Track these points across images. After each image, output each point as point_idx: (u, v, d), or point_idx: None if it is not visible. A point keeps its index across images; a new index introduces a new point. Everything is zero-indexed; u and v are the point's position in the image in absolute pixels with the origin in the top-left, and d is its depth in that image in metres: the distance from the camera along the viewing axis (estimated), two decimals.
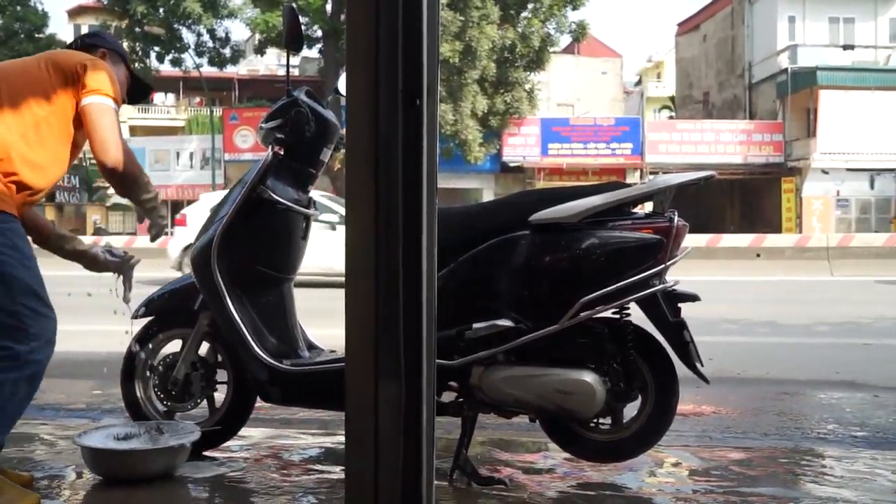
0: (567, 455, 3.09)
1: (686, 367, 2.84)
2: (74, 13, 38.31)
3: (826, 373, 5.55)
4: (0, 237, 2.44)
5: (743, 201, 31.55)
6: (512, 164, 28.85)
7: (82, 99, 2.61)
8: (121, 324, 3.17)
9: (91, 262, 3.06)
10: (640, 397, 2.91)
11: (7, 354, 2.40)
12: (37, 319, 2.47)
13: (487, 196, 27.32)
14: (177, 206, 31.50)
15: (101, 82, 2.64)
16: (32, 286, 2.49)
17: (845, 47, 29.75)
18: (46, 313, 2.52)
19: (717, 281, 12.06)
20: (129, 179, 2.70)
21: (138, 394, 3.22)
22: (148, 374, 3.22)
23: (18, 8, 30.33)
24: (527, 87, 27.12)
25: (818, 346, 6.85)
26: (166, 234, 3.27)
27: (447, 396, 2.93)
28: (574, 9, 26.56)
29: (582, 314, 2.72)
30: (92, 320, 6.90)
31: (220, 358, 3.21)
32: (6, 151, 2.52)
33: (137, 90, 3.08)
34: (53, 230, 3.02)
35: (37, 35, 31.11)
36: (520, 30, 26.02)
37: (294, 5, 3.06)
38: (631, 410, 2.94)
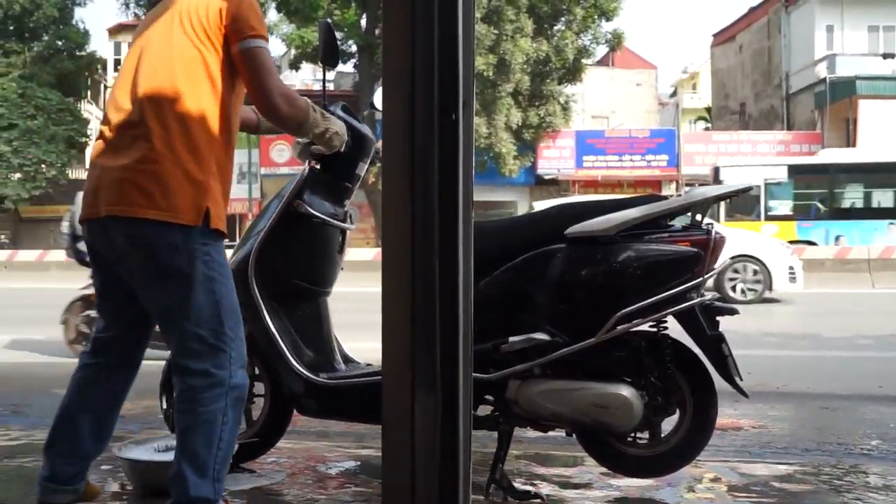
0: (604, 469, 3.07)
1: (725, 381, 2.81)
2: (114, 31, 38.98)
3: (868, 387, 5.44)
4: (217, 256, 2.36)
5: None
6: (546, 177, 28.75)
7: (233, 46, 2.34)
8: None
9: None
10: (678, 411, 2.88)
11: (211, 382, 2.31)
12: (236, 342, 2.38)
13: (522, 209, 27.26)
14: None
15: (243, 22, 2.35)
16: (235, 306, 2.40)
17: (885, 56, 29.24)
18: (242, 336, 2.42)
19: None
20: (297, 123, 2.51)
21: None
22: None
23: (61, 27, 30.96)
24: (561, 99, 27.07)
25: (860, 359, 6.73)
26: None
27: (483, 410, 2.92)
28: (608, 20, 26.51)
29: (619, 327, 2.70)
30: None
31: (257, 371, 3.23)
32: (210, 157, 2.35)
33: None
34: (258, 118, 2.88)
35: (78, 53, 31.73)
36: (553, 42, 26.01)
37: (329, 21, 3.08)
38: (669, 425, 2.91)
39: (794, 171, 19.50)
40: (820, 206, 19.10)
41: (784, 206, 18.81)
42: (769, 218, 18.65)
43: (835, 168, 19.68)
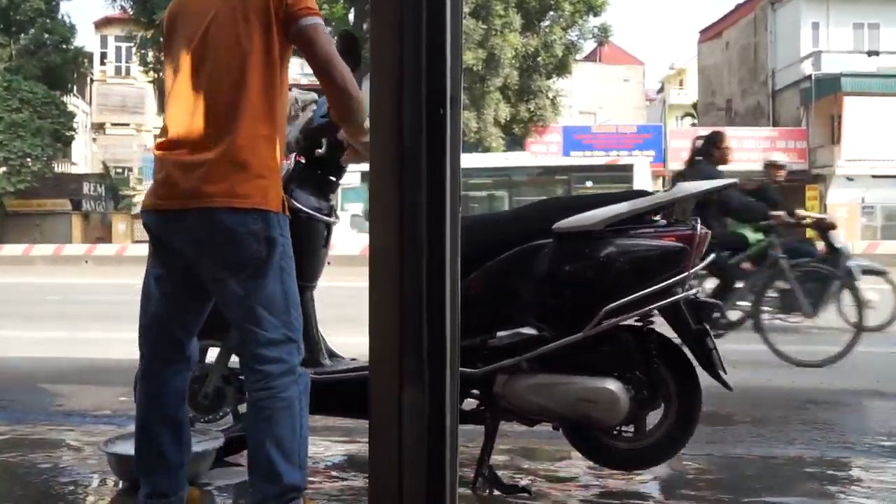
0: (590, 463, 3.09)
1: (709, 375, 2.83)
2: (101, 24, 38.74)
3: (852, 381, 5.48)
4: (288, 249, 2.37)
5: None
6: None
7: (293, 26, 2.33)
8: None
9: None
10: (662, 405, 2.90)
11: (285, 370, 2.33)
12: (299, 330, 2.40)
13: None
14: None
15: (301, 2, 2.34)
16: (298, 300, 2.42)
17: (870, 53, 29.43)
18: (300, 325, 2.43)
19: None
20: (357, 100, 2.44)
21: None
22: None
23: (47, 20, 30.73)
24: (550, 94, 27.12)
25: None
26: None
27: (469, 405, 2.93)
28: (595, 15, 26.57)
29: (606, 322, 2.71)
30: (118, 327, 6.98)
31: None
32: (279, 145, 2.38)
33: None
34: None
35: (64, 46, 31.51)
36: (542, 37, 26.04)
37: (348, 31, 3.02)
38: (654, 418, 2.93)
39: (365, 176, 20.34)
40: None
41: (357, 208, 19.36)
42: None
43: None
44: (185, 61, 2.37)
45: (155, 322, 2.46)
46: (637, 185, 18.91)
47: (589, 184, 19.93)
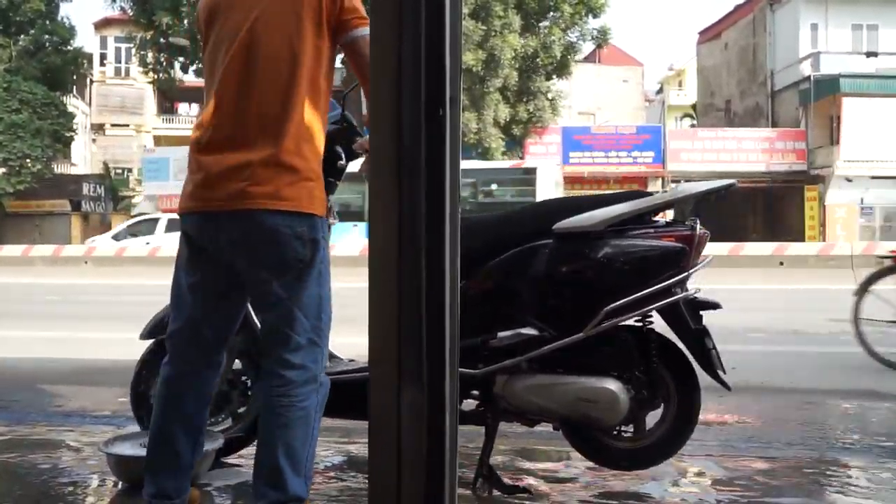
0: (590, 464, 3.09)
1: (708, 375, 2.83)
2: (101, 25, 38.78)
3: (850, 382, 5.49)
4: (326, 254, 2.34)
5: (765, 209, 31.32)
6: None
7: (346, 35, 2.31)
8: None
9: None
10: (662, 405, 2.91)
11: (308, 377, 2.30)
12: (327, 336, 2.38)
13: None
14: None
15: (357, 10, 2.33)
16: (331, 306, 2.39)
17: (868, 54, 29.45)
18: (328, 331, 2.41)
19: (739, 289, 11.95)
20: None
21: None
22: None
23: (47, 22, 30.75)
24: (549, 95, 27.14)
25: (842, 354, 6.77)
26: None
27: (468, 405, 2.93)
28: (595, 17, 26.61)
29: (606, 322, 2.72)
30: (117, 327, 6.98)
31: (242, 367, 3.22)
32: (320, 149, 2.36)
33: None
34: None
35: (64, 47, 31.53)
36: (541, 38, 26.08)
37: None
38: (653, 418, 2.93)
39: None
40: None
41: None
42: None
43: None
44: (229, 58, 2.30)
45: (187, 325, 2.41)
46: (540, 188, 18.91)
47: (494, 186, 20.38)
